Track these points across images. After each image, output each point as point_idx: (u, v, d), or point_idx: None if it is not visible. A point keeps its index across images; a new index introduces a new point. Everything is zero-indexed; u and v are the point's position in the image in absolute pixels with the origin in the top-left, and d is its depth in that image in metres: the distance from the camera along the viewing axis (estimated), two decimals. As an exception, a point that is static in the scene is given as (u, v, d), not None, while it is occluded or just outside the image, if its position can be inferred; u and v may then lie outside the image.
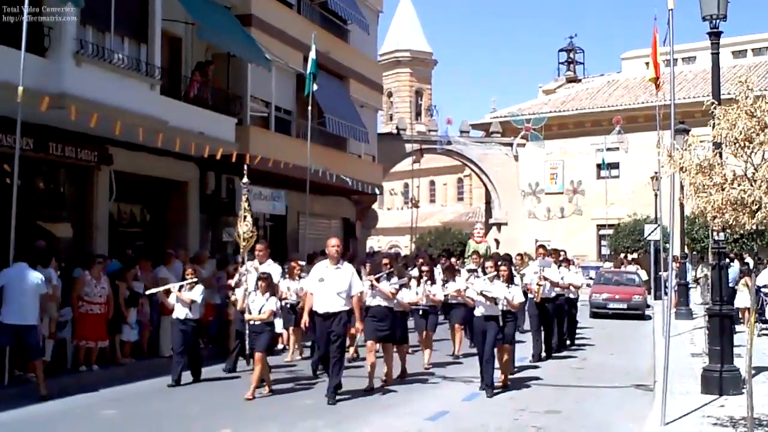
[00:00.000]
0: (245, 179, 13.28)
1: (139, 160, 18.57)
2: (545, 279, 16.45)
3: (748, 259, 25.89)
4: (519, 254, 20.30)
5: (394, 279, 13.21)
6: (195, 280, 13.12)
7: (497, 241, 39.65)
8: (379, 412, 11.00)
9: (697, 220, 28.56)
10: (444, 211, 67.81)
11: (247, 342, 12.61)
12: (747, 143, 8.36)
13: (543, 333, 16.57)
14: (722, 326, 11.58)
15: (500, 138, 43.54)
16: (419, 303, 14.78)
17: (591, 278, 31.23)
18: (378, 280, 12.91)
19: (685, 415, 9.95)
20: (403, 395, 12.28)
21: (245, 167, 13.49)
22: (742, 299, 20.32)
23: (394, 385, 12.88)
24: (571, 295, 18.40)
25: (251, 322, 12.31)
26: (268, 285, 12.36)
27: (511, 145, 43.10)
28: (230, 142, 20.31)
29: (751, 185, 8.26)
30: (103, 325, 13.82)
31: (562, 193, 43.14)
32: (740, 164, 8.51)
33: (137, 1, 17.40)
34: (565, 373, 14.83)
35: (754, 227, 8.41)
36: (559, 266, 17.65)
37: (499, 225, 43.13)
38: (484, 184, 45.39)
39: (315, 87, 21.55)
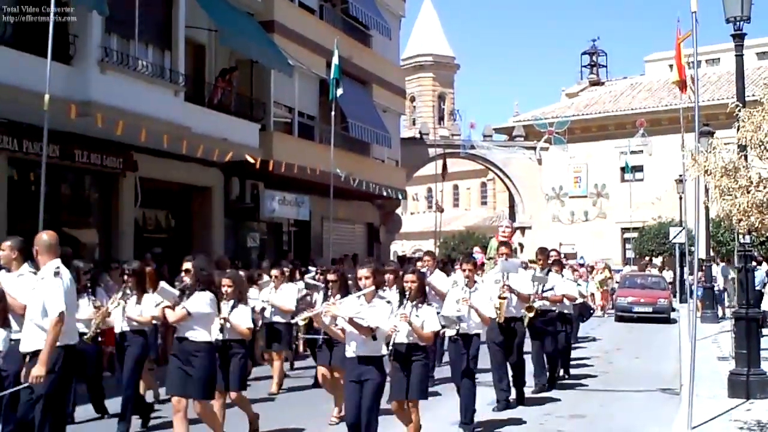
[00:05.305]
0: None
1: (164, 167, 18.71)
2: (510, 290, 11.25)
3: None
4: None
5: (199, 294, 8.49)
6: None
7: (521, 246, 39.52)
8: (404, 416, 10.97)
9: (722, 223, 28.32)
10: (468, 215, 67.58)
11: None
12: (772, 145, 8.30)
13: (511, 368, 11.83)
14: (749, 329, 11.49)
15: (523, 142, 43.47)
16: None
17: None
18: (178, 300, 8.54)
19: (711, 419, 9.88)
20: (429, 400, 12.16)
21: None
22: (769, 302, 20.13)
23: None
24: (566, 311, 13.88)
25: None
26: None
27: (534, 148, 43.00)
28: (254, 148, 20.43)
29: (777, 187, 8.20)
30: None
31: (585, 196, 42.98)
32: (765, 167, 8.46)
33: (161, 9, 17.59)
34: (591, 377, 14.78)
35: (780, 230, 8.35)
36: (548, 271, 13.27)
37: (523, 229, 42.96)
38: (508, 188, 45.28)
39: (339, 92, 21.64)
